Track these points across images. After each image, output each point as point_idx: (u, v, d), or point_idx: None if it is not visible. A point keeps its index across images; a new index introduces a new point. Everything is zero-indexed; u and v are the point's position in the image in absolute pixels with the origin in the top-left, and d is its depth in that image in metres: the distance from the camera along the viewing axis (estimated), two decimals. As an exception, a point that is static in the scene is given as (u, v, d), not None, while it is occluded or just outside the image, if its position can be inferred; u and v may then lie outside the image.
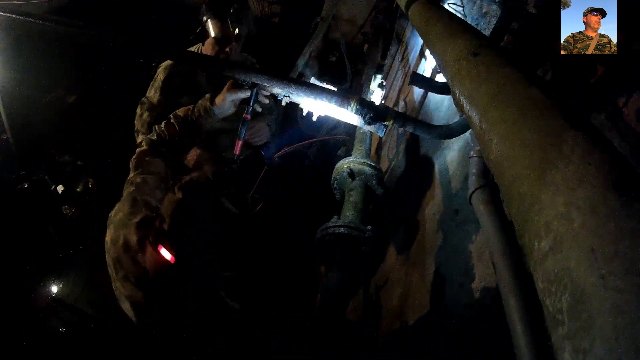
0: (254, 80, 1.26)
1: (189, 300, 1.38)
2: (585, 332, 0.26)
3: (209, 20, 2.02)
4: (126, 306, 1.47)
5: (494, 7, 1.27)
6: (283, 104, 1.30)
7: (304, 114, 1.36)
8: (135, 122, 2.11)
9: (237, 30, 2.04)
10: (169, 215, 1.34)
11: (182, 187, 1.40)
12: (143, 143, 1.61)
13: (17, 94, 2.80)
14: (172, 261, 1.27)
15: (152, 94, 2.06)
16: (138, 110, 2.06)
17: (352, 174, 1.70)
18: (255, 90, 1.52)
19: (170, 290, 1.38)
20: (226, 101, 1.71)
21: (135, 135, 2.13)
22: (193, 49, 2.15)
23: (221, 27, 2.01)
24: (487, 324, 0.88)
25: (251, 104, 1.66)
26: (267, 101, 1.70)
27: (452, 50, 0.71)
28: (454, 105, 1.28)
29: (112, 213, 1.42)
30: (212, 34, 2.02)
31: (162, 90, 2.00)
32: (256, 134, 2.01)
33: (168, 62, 2.05)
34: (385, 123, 1.21)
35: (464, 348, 0.94)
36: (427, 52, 2.10)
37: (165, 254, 1.27)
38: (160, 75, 2.05)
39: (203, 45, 2.12)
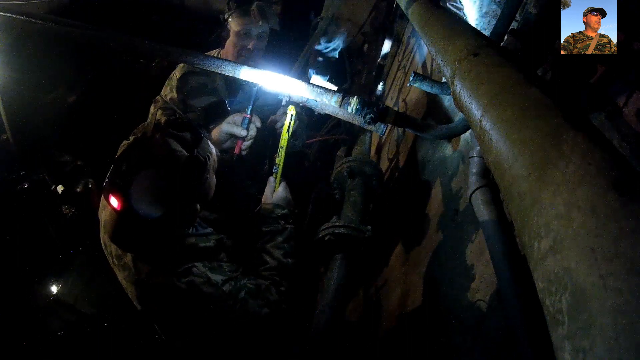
0: (255, 79, 1.26)
1: (148, 274, 1.28)
2: (585, 332, 0.26)
3: (230, 17, 1.98)
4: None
5: (494, 7, 1.26)
6: (284, 103, 1.30)
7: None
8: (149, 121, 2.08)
9: (260, 26, 1.99)
10: (118, 157, 1.25)
11: (135, 133, 1.32)
12: None
13: (17, 94, 2.80)
14: (118, 208, 1.18)
15: (167, 92, 2.02)
16: (151, 109, 2.04)
17: (352, 174, 1.69)
18: (256, 88, 1.52)
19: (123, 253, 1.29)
20: (221, 133, 1.70)
21: None
22: (212, 53, 2.11)
23: (243, 22, 1.96)
24: (487, 324, 0.88)
25: (251, 103, 1.66)
26: (259, 124, 1.70)
27: (452, 50, 0.71)
28: (453, 105, 1.28)
29: (99, 211, 1.39)
30: (235, 29, 1.98)
31: (178, 90, 1.97)
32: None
33: None
34: (385, 123, 1.21)
35: (464, 348, 0.94)
36: (427, 52, 2.10)
37: (113, 201, 1.19)
38: (176, 73, 2.01)
39: (223, 48, 2.08)
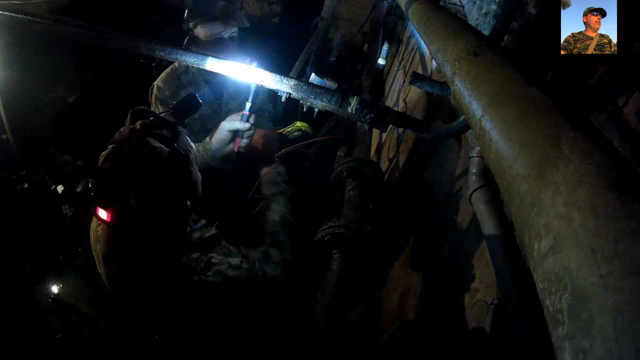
0: (255, 79, 1.26)
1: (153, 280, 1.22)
2: (585, 332, 0.26)
3: (195, 28, 1.94)
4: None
5: (494, 7, 1.26)
6: (283, 99, 1.30)
7: (304, 110, 1.36)
8: None
9: (227, 30, 1.96)
10: (99, 168, 1.19)
11: (113, 141, 1.27)
12: None
13: (17, 94, 2.80)
14: (109, 219, 1.12)
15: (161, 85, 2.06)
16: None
17: (352, 174, 1.69)
18: (255, 87, 1.51)
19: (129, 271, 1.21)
20: (223, 131, 1.68)
21: None
22: None
23: (211, 31, 1.93)
24: (487, 324, 0.88)
25: (250, 101, 1.66)
26: (253, 122, 1.71)
27: (451, 50, 0.71)
28: (453, 105, 1.28)
29: (93, 243, 1.34)
30: (203, 38, 1.94)
31: (165, 96, 1.99)
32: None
33: None
34: (385, 123, 1.22)
35: (465, 348, 0.94)
36: (427, 52, 2.10)
37: (102, 213, 1.13)
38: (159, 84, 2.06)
39: None
